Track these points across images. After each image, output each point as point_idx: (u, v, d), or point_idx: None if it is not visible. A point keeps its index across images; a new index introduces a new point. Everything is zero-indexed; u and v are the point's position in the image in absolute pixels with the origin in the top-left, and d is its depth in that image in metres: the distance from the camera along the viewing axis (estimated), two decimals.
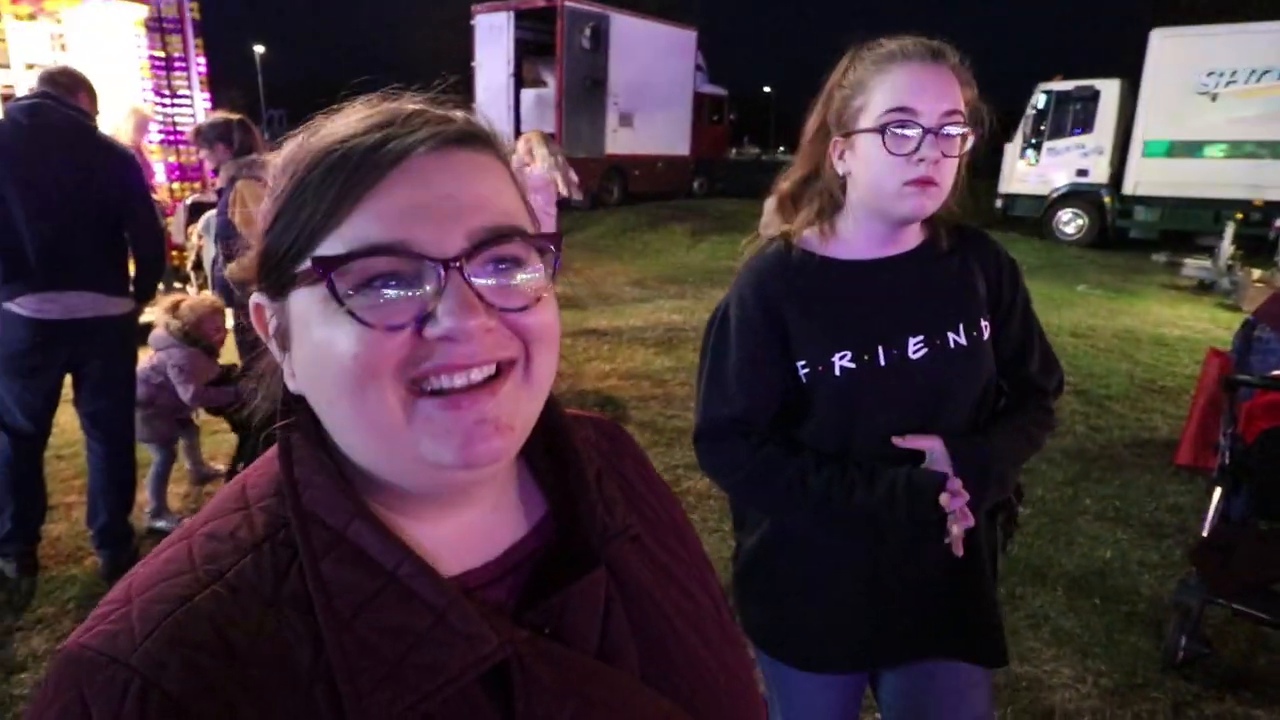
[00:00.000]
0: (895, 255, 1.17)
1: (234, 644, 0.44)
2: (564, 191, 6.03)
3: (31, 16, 5.86)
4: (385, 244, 0.44)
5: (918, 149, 1.04)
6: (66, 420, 3.12)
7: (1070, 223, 12.86)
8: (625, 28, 14.92)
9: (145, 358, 3.10)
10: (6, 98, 5.27)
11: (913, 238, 1.18)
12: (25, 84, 5.27)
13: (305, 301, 0.47)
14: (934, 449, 1.11)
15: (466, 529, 0.53)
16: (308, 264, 0.46)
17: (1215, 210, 11.12)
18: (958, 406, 1.17)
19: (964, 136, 1.07)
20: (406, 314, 0.45)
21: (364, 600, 0.46)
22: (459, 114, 0.50)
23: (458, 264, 0.45)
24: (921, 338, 1.14)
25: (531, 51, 14.58)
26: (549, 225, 6.10)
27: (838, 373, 1.13)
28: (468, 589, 0.50)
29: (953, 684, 1.26)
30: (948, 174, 1.08)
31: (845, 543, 1.19)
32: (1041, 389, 1.27)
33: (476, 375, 0.46)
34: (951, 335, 1.15)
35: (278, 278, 0.49)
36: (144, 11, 6.38)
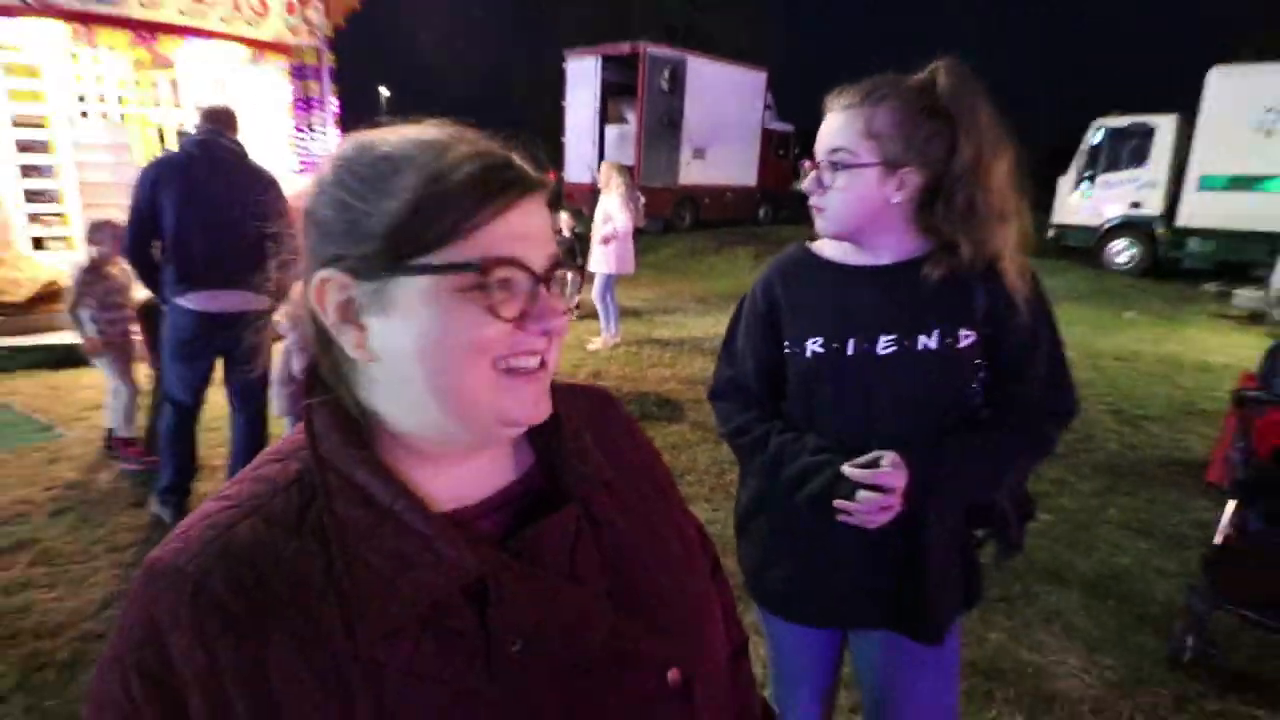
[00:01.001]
0: (887, 264, 1.17)
1: (264, 562, 0.50)
2: (635, 219, 6.23)
3: (201, 66, 6.46)
4: (510, 258, 0.52)
5: (811, 182, 1.16)
6: (214, 399, 3.43)
7: (1122, 253, 12.19)
8: (700, 70, 15.04)
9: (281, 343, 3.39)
10: (181, 134, 5.82)
11: (902, 252, 1.17)
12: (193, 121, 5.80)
13: (421, 287, 0.51)
14: (886, 455, 1.11)
15: (465, 474, 0.58)
16: (447, 259, 0.50)
17: (1271, 243, 10.38)
18: (921, 405, 1.15)
19: (843, 168, 1.11)
20: (515, 310, 0.52)
21: (368, 531, 0.51)
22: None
23: (544, 279, 0.54)
24: (894, 337, 1.14)
25: (615, 92, 14.86)
26: (627, 245, 6.29)
27: (808, 355, 1.18)
28: (460, 521, 0.55)
29: (907, 659, 1.23)
30: (835, 201, 1.14)
31: (807, 509, 1.18)
32: (1032, 409, 1.18)
33: (536, 360, 0.55)
34: (922, 338, 1.14)
35: (390, 262, 0.51)
36: (289, 60, 6.92)
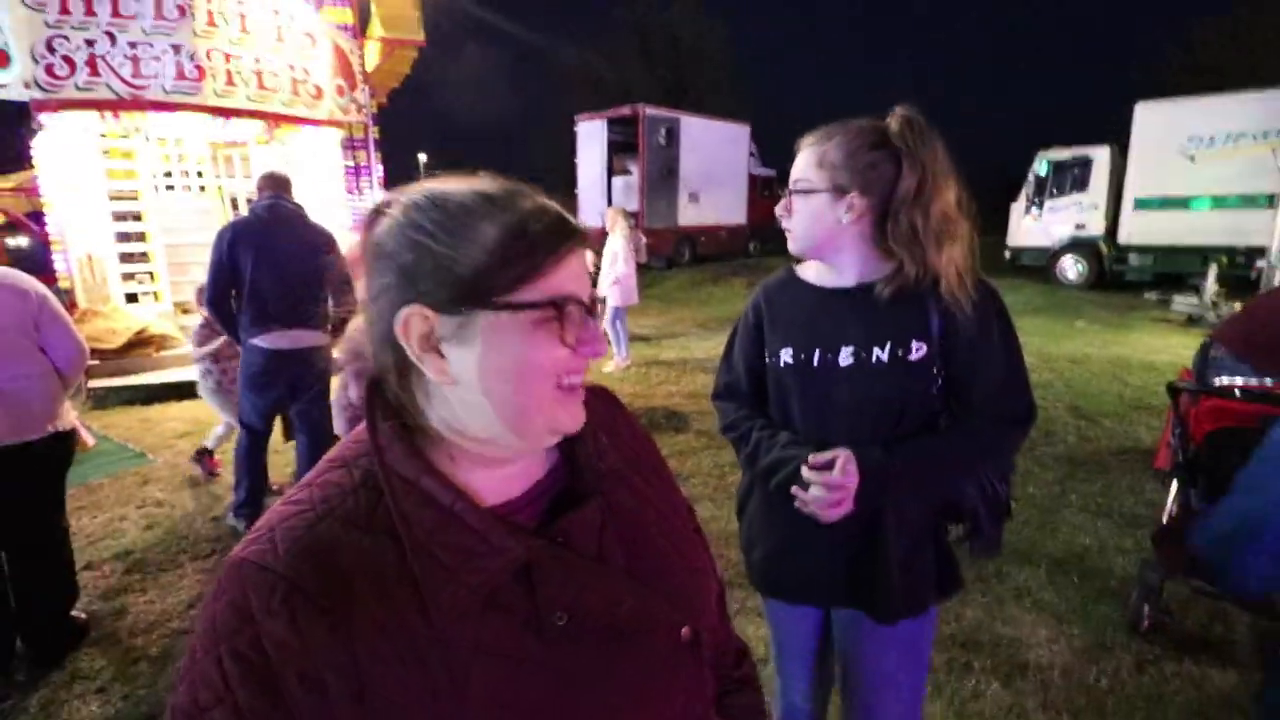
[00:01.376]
0: (853, 285, 1.15)
1: (343, 558, 0.50)
2: (638, 256, 6.26)
3: (266, 141, 6.64)
4: (572, 295, 0.54)
5: (781, 208, 1.19)
6: (277, 429, 3.44)
7: (1072, 269, 12.09)
8: (692, 127, 15.21)
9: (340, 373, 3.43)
10: (251, 200, 5.96)
11: (866, 273, 1.15)
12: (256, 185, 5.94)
13: (501, 320, 0.52)
14: (840, 455, 1.10)
15: (508, 475, 0.59)
16: (527, 298, 0.52)
17: (1203, 255, 10.27)
18: (874, 409, 1.13)
19: (801, 194, 1.15)
20: (574, 337, 0.54)
21: (432, 528, 0.52)
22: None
23: (591, 312, 0.57)
24: (853, 349, 1.14)
25: (620, 149, 15.00)
26: (630, 280, 6.33)
27: (781, 364, 1.19)
28: (505, 514, 0.56)
29: (876, 636, 1.20)
30: (798, 221, 1.16)
31: (777, 497, 1.17)
32: (984, 414, 1.12)
33: (580, 378, 0.57)
34: (876, 350, 1.12)
35: (473, 300, 0.51)
36: (341, 134, 7.10)
